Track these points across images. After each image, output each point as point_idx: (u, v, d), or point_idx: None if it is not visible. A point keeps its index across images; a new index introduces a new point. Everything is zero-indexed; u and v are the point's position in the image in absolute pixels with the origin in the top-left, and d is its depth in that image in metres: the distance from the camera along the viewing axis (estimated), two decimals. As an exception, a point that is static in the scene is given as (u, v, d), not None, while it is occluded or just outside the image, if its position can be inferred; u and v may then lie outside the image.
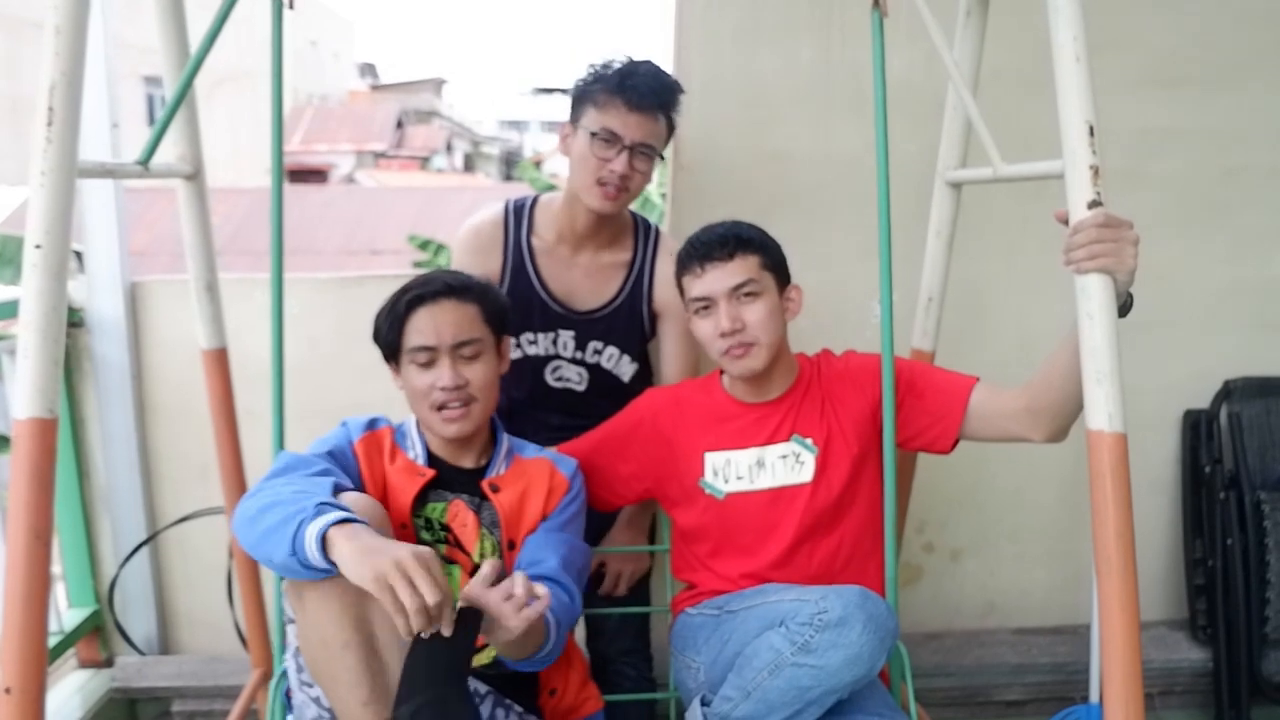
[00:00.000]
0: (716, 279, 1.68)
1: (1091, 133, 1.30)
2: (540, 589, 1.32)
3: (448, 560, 1.59)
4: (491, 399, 1.61)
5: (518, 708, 1.55)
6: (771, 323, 1.69)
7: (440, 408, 1.56)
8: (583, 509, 1.71)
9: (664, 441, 1.80)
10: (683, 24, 2.29)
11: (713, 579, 1.80)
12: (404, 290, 1.59)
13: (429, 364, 1.56)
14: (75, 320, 2.36)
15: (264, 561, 1.36)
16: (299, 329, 2.31)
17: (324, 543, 1.26)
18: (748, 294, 1.68)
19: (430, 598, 1.20)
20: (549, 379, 1.99)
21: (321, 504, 1.32)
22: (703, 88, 2.26)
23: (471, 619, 1.31)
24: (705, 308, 1.70)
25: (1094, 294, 1.32)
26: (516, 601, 1.28)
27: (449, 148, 24.21)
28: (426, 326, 1.56)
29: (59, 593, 2.44)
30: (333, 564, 1.27)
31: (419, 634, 1.25)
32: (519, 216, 1.97)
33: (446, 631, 1.24)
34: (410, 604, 1.20)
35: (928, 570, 2.62)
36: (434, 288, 1.58)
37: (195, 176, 1.91)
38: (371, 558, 1.22)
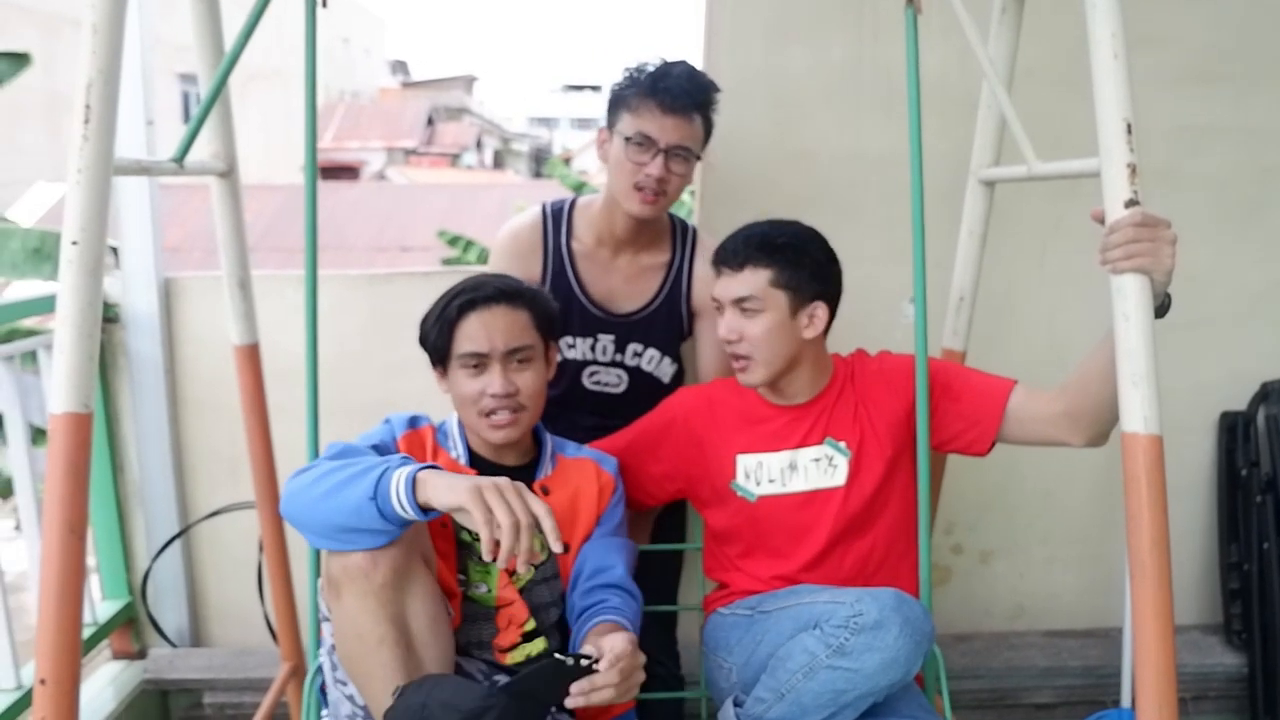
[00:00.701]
0: (724, 286, 1.70)
1: (1129, 130, 1.28)
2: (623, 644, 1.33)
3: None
4: (540, 406, 1.60)
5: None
6: (769, 342, 1.67)
7: (489, 414, 1.55)
8: (625, 507, 1.73)
9: (696, 442, 1.79)
10: (713, 21, 2.28)
11: (745, 579, 1.79)
12: (454, 294, 1.57)
13: (479, 370, 1.55)
14: (111, 316, 2.39)
15: (321, 519, 1.33)
16: (329, 325, 2.30)
17: (414, 486, 1.27)
18: (747, 309, 1.67)
19: (522, 516, 1.23)
20: (585, 383, 1.99)
21: (405, 458, 1.35)
22: (732, 85, 2.24)
23: (565, 671, 1.30)
24: (718, 309, 1.72)
25: (1130, 294, 1.30)
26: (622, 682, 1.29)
27: (479, 145, 24.30)
28: (478, 332, 1.54)
29: (93, 585, 2.47)
30: (420, 508, 1.27)
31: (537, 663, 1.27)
32: (557, 220, 1.96)
33: (521, 567, 1.25)
34: (504, 519, 1.22)
35: (957, 572, 2.60)
36: (486, 292, 1.55)
37: (229, 174, 1.92)
38: (467, 481, 1.25)
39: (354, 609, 1.33)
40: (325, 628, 1.45)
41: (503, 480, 1.27)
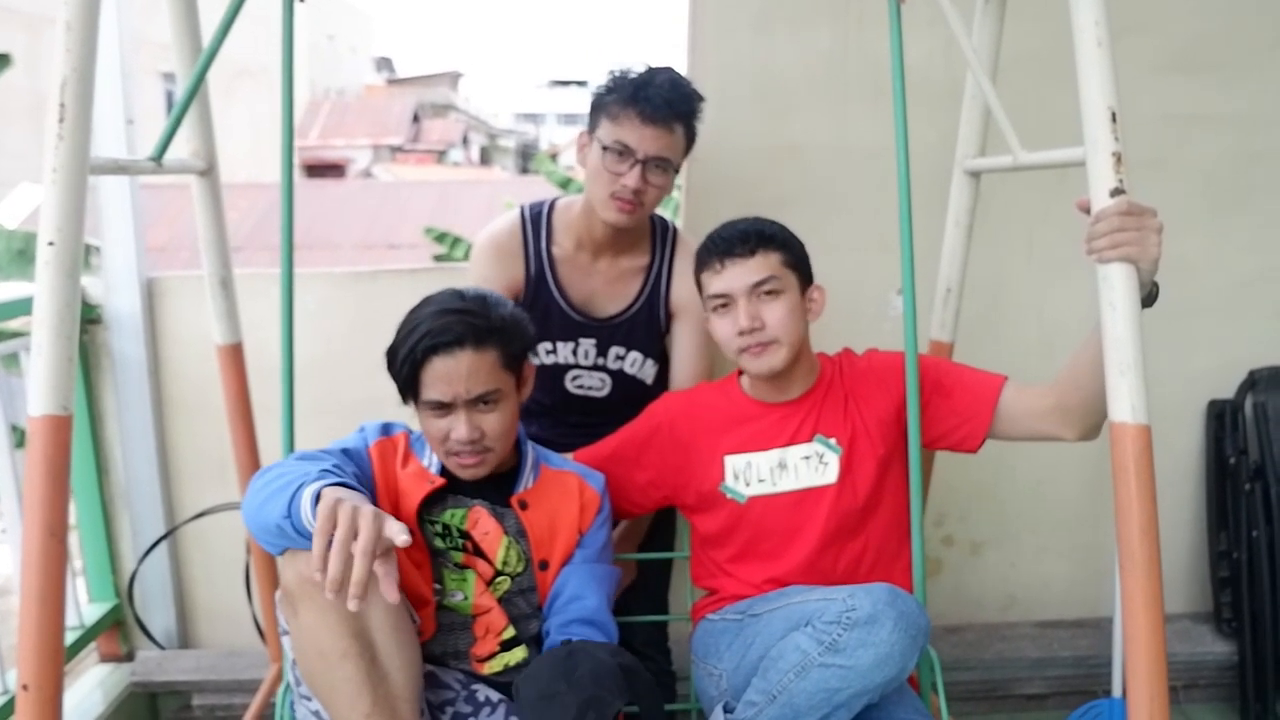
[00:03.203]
0: (736, 275, 1.63)
1: (1114, 119, 1.27)
2: None
3: (462, 567, 1.55)
4: (509, 441, 1.54)
5: None
6: (792, 322, 1.64)
7: (454, 454, 1.51)
8: (611, 528, 1.69)
9: (681, 448, 1.76)
10: (697, 14, 2.27)
11: (735, 584, 1.74)
12: (421, 332, 1.47)
13: (444, 414, 1.49)
14: (94, 316, 2.37)
15: (259, 531, 1.32)
16: (314, 324, 2.31)
17: (318, 503, 1.23)
18: (768, 292, 1.63)
19: (361, 542, 1.16)
20: (569, 387, 1.97)
21: (324, 470, 1.31)
22: (718, 78, 2.24)
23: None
24: (724, 305, 1.66)
25: (1116, 283, 1.29)
26: None
27: (465, 141, 24.26)
28: (441, 380, 1.46)
29: (80, 588, 2.46)
30: None
31: None
32: (536, 224, 1.93)
33: (351, 606, 1.16)
34: (337, 537, 1.16)
35: (947, 563, 2.60)
36: (450, 337, 1.45)
37: (209, 172, 1.90)
38: (335, 498, 1.20)
39: (313, 624, 1.30)
40: (285, 641, 1.41)
41: (366, 512, 1.19)
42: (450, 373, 1.46)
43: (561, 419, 1.95)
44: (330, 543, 1.17)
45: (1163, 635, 1.27)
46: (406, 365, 1.48)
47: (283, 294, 1.66)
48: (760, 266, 1.63)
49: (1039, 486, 2.57)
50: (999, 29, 1.84)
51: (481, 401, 1.48)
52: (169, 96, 14.70)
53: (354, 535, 1.17)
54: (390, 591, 1.19)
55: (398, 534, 1.18)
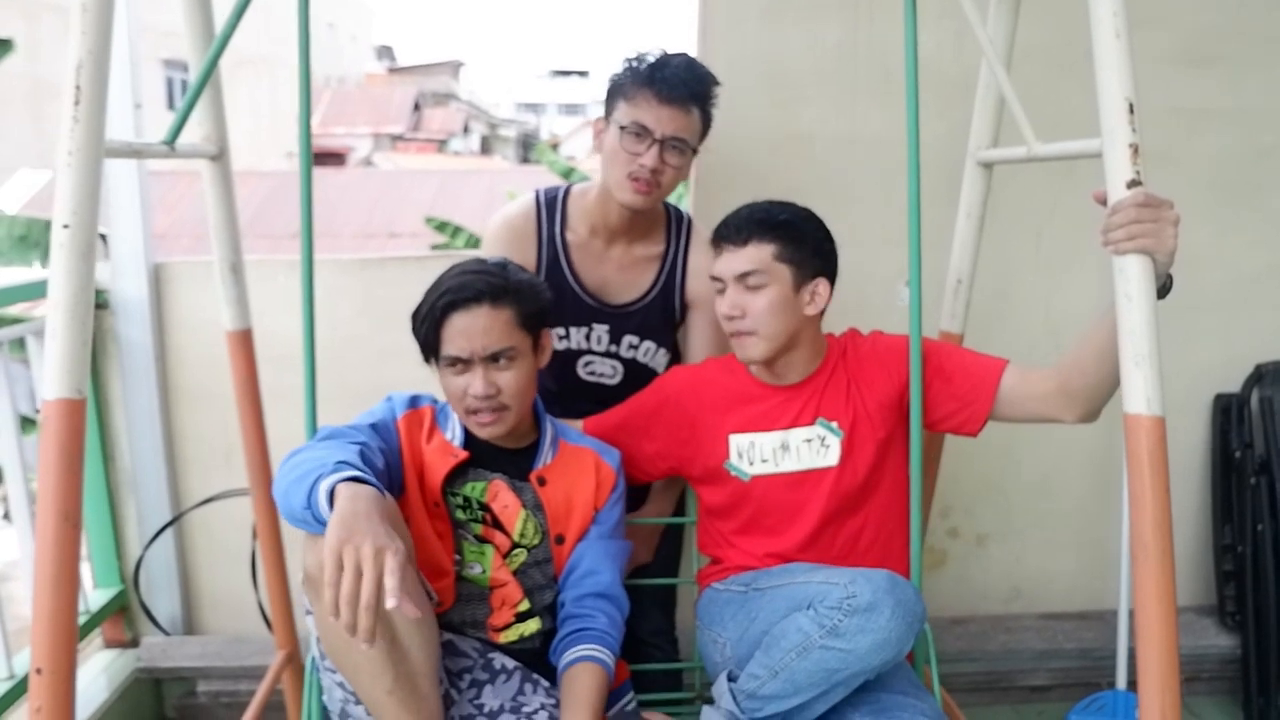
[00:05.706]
0: (726, 262, 1.68)
1: (1131, 110, 1.27)
2: None
3: (482, 540, 1.59)
4: (526, 401, 1.59)
5: (545, 683, 1.56)
6: (773, 316, 1.66)
7: (472, 413, 1.56)
8: (625, 504, 1.73)
9: (688, 422, 1.79)
10: (707, 3, 2.26)
11: (739, 555, 1.79)
12: (440, 291, 1.54)
13: (462, 371, 1.54)
14: (100, 302, 2.36)
15: (287, 515, 1.35)
16: (323, 311, 2.26)
17: (333, 497, 1.27)
18: (752, 285, 1.66)
19: (365, 594, 1.17)
20: (580, 373, 1.97)
21: (340, 461, 1.33)
22: (727, 68, 2.22)
23: None
24: (720, 289, 1.71)
25: (1132, 275, 1.29)
26: None
27: (466, 130, 24.18)
28: (459, 335, 1.52)
29: (85, 573, 2.46)
30: None
31: None
32: (551, 209, 1.94)
33: (364, 646, 1.19)
34: (346, 587, 1.17)
35: (952, 555, 2.61)
36: (468, 293, 1.52)
37: (220, 157, 1.90)
38: (344, 528, 1.20)
39: None
40: (309, 621, 1.44)
41: (369, 552, 1.19)
42: (468, 328, 1.52)
43: (572, 405, 1.94)
44: (340, 586, 1.18)
45: (1175, 626, 1.28)
46: (427, 323, 1.54)
47: (304, 279, 1.66)
48: (748, 258, 1.66)
49: (1044, 480, 2.58)
50: (1014, 19, 1.83)
51: (497, 358, 1.53)
52: (169, 84, 14.68)
53: (359, 576, 1.18)
54: (409, 609, 1.20)
55: (390, 595, 1.18)
